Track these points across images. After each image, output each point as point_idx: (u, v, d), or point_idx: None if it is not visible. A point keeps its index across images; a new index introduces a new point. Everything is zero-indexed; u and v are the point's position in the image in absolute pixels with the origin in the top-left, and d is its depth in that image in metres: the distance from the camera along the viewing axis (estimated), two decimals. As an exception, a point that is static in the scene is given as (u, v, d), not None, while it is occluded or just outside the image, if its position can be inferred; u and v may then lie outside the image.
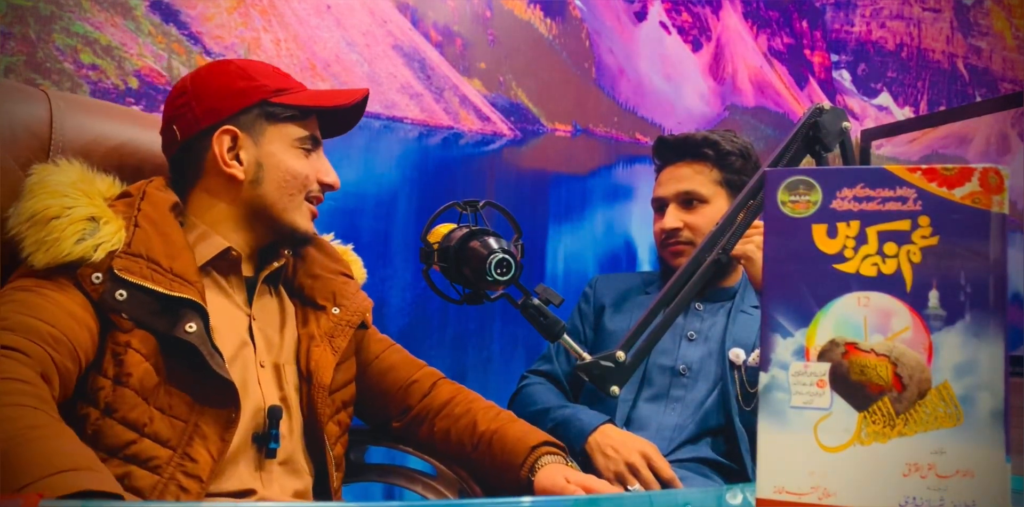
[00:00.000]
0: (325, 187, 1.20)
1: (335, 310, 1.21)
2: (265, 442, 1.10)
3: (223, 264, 1.14)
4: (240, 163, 1.14)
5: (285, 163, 1.15)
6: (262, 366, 1.14)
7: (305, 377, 1.17)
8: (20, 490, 0.74)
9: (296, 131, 1.16)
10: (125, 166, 1.23)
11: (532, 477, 1.15)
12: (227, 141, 1.14)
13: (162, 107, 1.23)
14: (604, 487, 1.12)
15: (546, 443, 1.19)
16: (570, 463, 1.18)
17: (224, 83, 1.15)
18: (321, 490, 1.18)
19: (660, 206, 1.68)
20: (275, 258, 1.21)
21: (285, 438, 1.12)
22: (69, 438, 0.85)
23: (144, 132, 1.28)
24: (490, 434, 1.21)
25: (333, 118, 1.24)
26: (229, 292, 1.15)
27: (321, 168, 1.19)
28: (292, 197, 1.16)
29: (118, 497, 0.78)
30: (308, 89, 1.21)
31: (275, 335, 1.18)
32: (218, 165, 1.14)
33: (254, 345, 1.14)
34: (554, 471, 1.14)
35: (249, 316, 1.15)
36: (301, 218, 1.18)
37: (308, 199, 1.18)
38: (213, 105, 1.14)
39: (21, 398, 0.85)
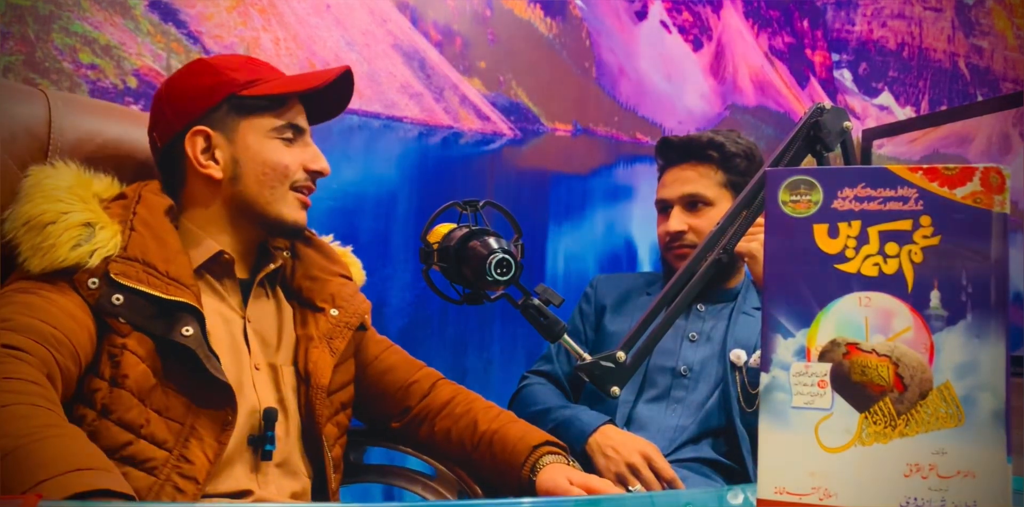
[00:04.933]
0: (314, 174, 1.17)
1: (333, 312, 1.20)
2: (261, 444, 1.09)
3: (217, 267, 1.14)
4: (216, 162, 1.13)
5: (262, 155, 1.13)
6: (257, 369, 1.14)
7: (303, 378, 1.16)
8: (35, 486, 0.74)
9: (270, 121, 1.13)
10: (124, 166, 1.22)
11: (534, 477, 1.14)
12: (200, 142, 1.12)
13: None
14: (607, 488, 1.11)
15: (547, 443, 1.18)
16: (572, 463, 1.17)
17: (193, 83, 1.14)
18: (319, 491, 1.17)
19: (664, 208, 1.68)
20: (272, 260, 1.20)
21: (281, 440, 1.12)
22: (82, 438, 0.85)
23: (141, 131, 1.27)
24: (491, 434, 1.20)
25: (320, 103, 1.20)
26: (224, 295, 1.14)
27: (307, 156, 1.16)
28: (274, 189, 1.13)
29: (130, 498, 0.78)
30: (283, 75, 1.17)
31: (272, 337, 1.18)
32: (196, 167, 1.13)
33: (248, 348, 1.14)
34: (556, 471, 1.13)
35: (244, 318, 1.15)
36: (288, 209, 1.15)
37: (297, 189, 1.16)
38: (183, 107, 1.13)
39: (34, 398, 0.85)
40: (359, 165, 2.09)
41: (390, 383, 1.28)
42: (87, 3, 1.83)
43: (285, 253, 1.22)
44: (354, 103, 2.10)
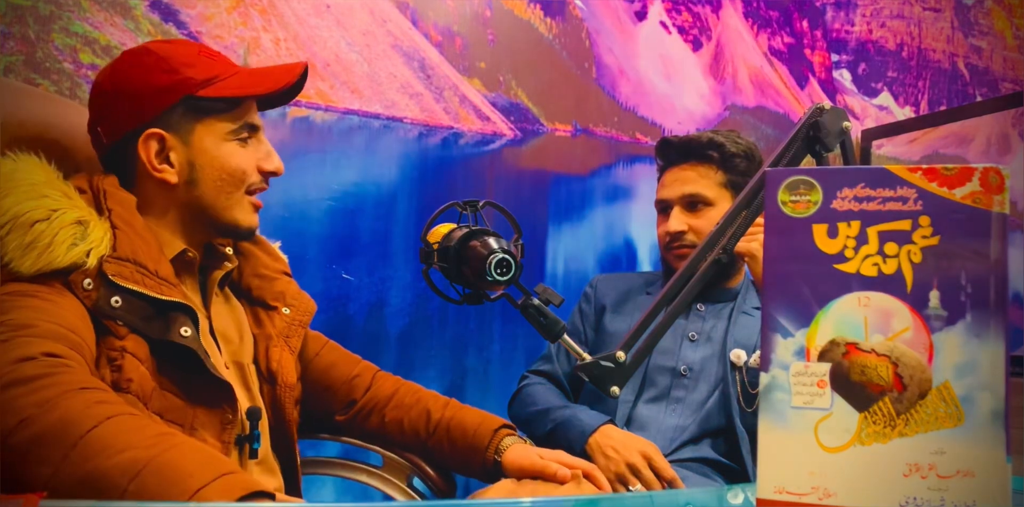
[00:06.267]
0: (268, 175, 1.13)
1: (286, 310, 1.20)
2: (247, 442, 1.09)
3: (178, 266, 1.11)
4: (171, 165, 1.08)
5: (219, 160, 1.09)
6: (227, 367, 1.13)
7: (267, 377, 1.17)
8: (195, 494, 0.72)
9: (227, 124, 1.09)
10: (63, 159, 1.11)
11: (498, 457, 1.20)
12: (154, 145, 1.07)
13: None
14: (576, 462, 1.16)
15: (505, 426, 1.24)
16: (527, 442, 1.24)
17: (145, 80, 1.07)
18: (291, 486, 1.19)
19: (664, 208, 1.68)
20: (222, 258, 1.18)
21: (262, 437, 1.13)
22: (199, 443, 0.83)
23: (71, 117, 1.19)
24: (447, 421, 1.25)
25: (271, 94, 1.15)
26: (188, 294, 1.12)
27: (261, 155, 1.12)
28: (230, 195, 1.10)
29: (273, 496, 0.77)
30: (239, 70, 1.13)
31: (233, 335, 1.17)
32: (149, 171, 1.08)
33: (218, 346, 1.13)
34: (524, 449, 1.19)
35: (208, 318, 1.13)
36: (242, 214, 1.12)
37: (251, 192, 1.13)
38: (135, 107, 1.06)
39: (123, 407, 0.82)
40: (359, 165, 2.09)
41: (335, 378, 1.30)
42: (88, 3, 1.83)
43: (228, 250, 1.20)
44: (354, 103, 2.11)
